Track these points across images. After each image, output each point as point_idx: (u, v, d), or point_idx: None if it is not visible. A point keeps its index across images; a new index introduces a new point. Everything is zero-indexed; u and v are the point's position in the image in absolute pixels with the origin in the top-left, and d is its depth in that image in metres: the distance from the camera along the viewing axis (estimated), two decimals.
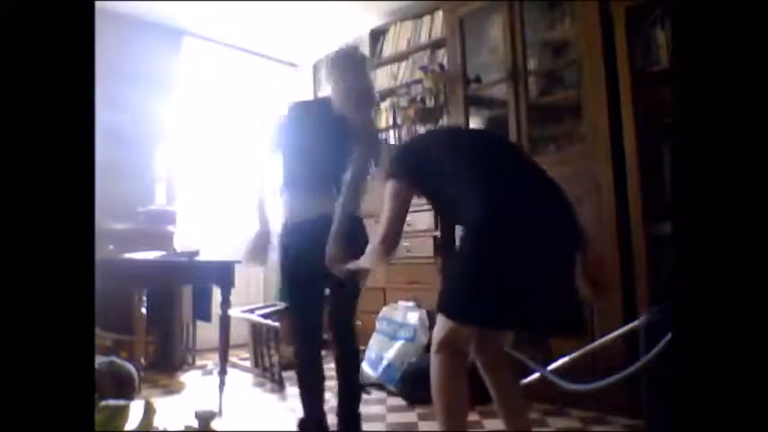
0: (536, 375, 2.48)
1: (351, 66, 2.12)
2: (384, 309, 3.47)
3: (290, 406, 2.91)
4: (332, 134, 2.12)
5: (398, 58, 4.27)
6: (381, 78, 4.28)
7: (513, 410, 1.83)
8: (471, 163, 1.73)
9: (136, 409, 2.02)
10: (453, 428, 1.69)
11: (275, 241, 2.20)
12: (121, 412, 2.00)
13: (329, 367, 2.18)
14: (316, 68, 5.14)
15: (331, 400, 2.26)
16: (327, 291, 2.18)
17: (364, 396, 3.00)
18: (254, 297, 4.71)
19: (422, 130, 3.82)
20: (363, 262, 1.90)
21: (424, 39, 4.11)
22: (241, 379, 3.60)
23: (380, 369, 3.07)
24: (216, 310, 2.98)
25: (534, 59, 3.10)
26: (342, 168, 2.07)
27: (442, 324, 1.69)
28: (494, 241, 1.59)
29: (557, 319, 1.65)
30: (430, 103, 3.90)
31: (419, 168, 1.80)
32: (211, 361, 3.90)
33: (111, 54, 3.63)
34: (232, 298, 2.92)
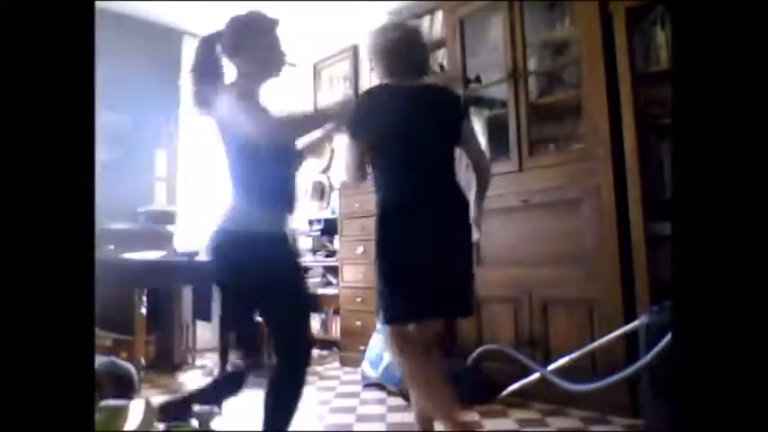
0: (536, 375, 2.49)
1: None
2: None
3: None
4: None
5: None
6: None
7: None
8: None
9: (136, 409, 2.02)
10: (449, 406, 1.76)
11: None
12: (121, 412, 2.01)
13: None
14: (315, 68, 5.14)
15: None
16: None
17: (363, 396, 3.01)
18: None
19: None
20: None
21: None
22: None
23: (380, 369, 3.06)
24: (216, 310, 2.97)
25: (534, 59, 3.09)
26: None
27: (387, 333, 1.86)
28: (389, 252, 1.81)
29: (451, 303, 1.85)
30: None
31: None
32: (211, 361, 3.90)
33: (111, 54, 3.62)
34: None
